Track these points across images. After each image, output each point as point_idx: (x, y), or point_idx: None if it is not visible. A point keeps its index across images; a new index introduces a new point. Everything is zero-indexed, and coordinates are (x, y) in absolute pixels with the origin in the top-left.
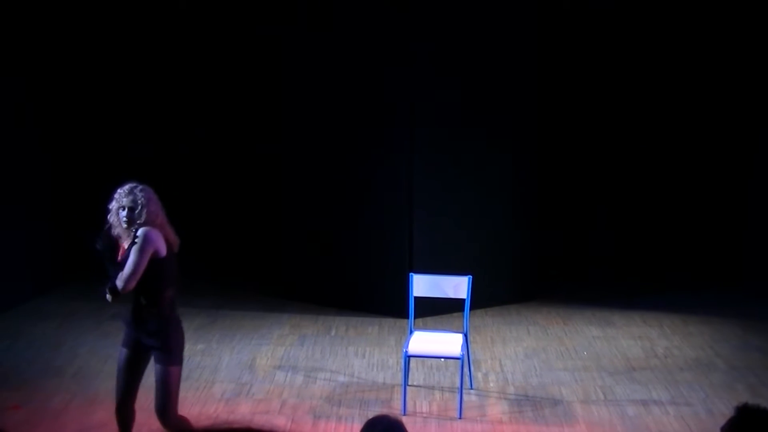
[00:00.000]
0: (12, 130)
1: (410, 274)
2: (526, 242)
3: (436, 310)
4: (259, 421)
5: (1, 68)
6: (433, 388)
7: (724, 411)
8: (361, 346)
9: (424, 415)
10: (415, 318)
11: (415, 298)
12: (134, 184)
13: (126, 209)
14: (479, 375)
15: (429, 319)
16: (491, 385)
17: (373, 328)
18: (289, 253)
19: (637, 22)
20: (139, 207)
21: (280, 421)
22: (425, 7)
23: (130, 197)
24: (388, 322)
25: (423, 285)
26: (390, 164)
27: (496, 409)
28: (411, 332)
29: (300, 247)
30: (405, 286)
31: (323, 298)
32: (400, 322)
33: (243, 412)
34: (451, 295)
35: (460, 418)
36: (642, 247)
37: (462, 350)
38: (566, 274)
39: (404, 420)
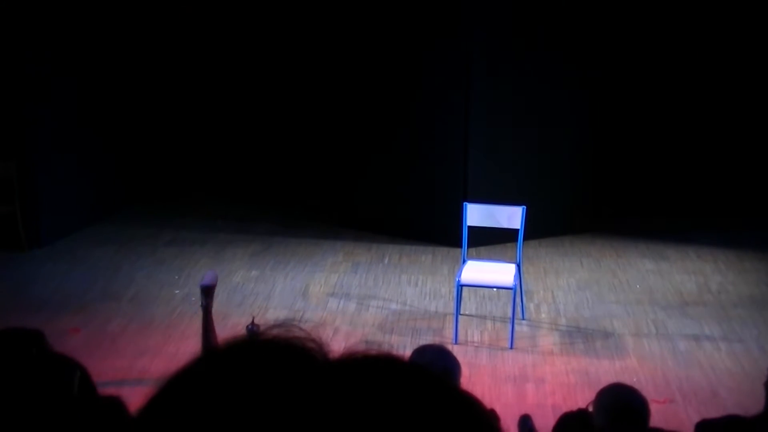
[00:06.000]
0: (79, 59)
1: (464, 203)
2: (582, 173)
3: (490, 240)
4: None
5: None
6: (485, 317)
7: None
8: (414, 275)
9: (476, 344)
10: (468, 247)
11: (469, 227)
12: None
13: None
14: (531, 306)
15: (482, 249)
16: (543, 316)
17: (427, 256)
18: (344, 181)
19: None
20: None
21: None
22: None
23: None
24: (442, 251)
25: (477, 214)
26: (446, 93)
27: (548, 340)
28: (464, 261)
29: (355, 175)
30: (459, 215)
31: (377, 226)
32: (454, 252)
33: None
34: (505, 225)
35: (511, 348)
36: (699, 182)
37: (515, 281)
38: (620, 209)
39: (455, 349)
